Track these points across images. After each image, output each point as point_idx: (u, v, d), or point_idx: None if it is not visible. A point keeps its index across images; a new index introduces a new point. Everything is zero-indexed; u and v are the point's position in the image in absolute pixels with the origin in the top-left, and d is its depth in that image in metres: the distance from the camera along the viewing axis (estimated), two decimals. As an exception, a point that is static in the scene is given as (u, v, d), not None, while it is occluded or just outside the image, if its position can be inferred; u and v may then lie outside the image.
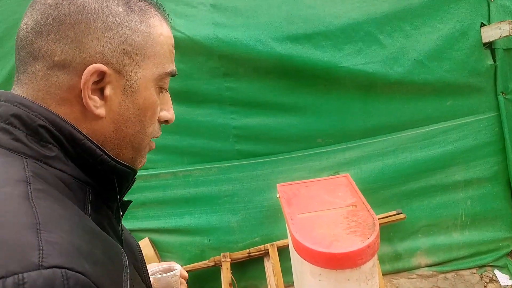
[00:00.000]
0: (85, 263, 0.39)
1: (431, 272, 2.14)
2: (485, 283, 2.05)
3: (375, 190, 2.09)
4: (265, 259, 2.03)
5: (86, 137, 0.50)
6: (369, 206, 1.43)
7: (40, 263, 0.35)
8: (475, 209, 2.15)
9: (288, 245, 1.92)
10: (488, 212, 2.15)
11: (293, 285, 1.71)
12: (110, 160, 0.52)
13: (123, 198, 0.61)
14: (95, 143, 0.51)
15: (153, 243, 2.09)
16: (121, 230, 0.60)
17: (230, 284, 1.92)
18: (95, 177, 0.52)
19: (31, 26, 0.51)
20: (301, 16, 2.01)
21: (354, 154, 2.13)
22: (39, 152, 0.47)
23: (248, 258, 2.04)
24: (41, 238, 0.37)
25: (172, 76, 0.60)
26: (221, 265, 1.99)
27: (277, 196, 1.62)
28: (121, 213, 0.61)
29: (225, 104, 2.05)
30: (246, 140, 2.09)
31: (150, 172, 2.10)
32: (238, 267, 2.07)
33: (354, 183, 1.61)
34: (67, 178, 0.49)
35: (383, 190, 2.11)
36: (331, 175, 2.07)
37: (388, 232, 2.11)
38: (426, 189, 2.13)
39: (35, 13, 0.51)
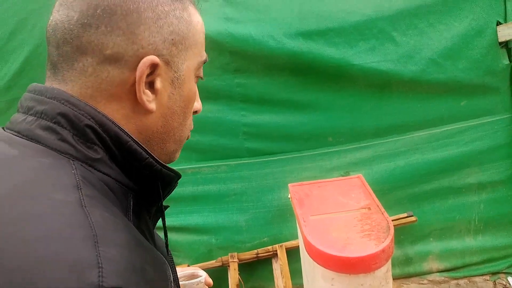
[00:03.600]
0: (141, 282, 0.37)
1: (443, 278, 2.10)
2: (498, 290, 2.01)
3: (386, 191, 2.05)
4: (273, 260, 2.00)
5: (132, 138, 0.48)
6: (383, 209, 1.39)
7: (100, 283, 0.33)
8: (489, 214, 2.10)
9: (297, 246, 1.89)
10: (503, 216, 2.10)
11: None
12: (155, 164, 0.50)
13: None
14: (141, 145, 0.48)
15: (160, 241, 2.06)
16: (167, 237, 0.59)
17: (237, 285, 1.90)
18: (138, 181, 0.50)
19: (75, 18, 0.47)
20: (313, 12, 1.96)
21: (365, 154, 2.09)
22: (85, 154, 0.45)
23: (256, 258, 2.01)
24: (99, 254, 0.35)
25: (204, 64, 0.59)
26: (229, 266, 1.96)
27: (289, 196, 1.59)
28: (159, 218, 0.59)
29: (235, 101, 2.02)
30: (256, 137, 2.05)
31: (158, 168, 2.07)
32: (246, 267, 2.04)
33: (367, 184, 1.57)
34: (111, 182, 0.46)
35: (394, 192, 2.07)
36: (342, 175, 2.03)
37: (398, 235, 2.07)
38: (438, 191, 2.09)
39: (79, 4, 0.47)
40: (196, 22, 0.53)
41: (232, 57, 1.96)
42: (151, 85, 0.49)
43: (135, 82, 0.47)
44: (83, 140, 0.45)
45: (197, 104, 0.60)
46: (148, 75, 0.48)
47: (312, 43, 1.96)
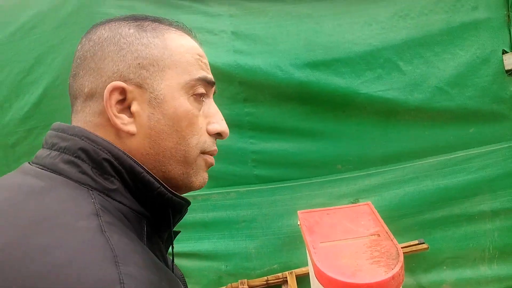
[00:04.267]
0: None
1: (458, 307, 2.05)
2: (515, 320, 1.95)
3: (396, 218, 2.03)
4: (283, 287, 1.98)
5: (145, 170, 0.51)
6: (392, 236, 1.39)
7: None
8: (504, 241, 2.06)
9: (306, 273, 1.87)
10: (517, 244, 2.06)
11: (312, 316, 1.66)
12: (167, 192, 0.53)
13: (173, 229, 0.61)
14: (153, 175, 0.52)
15: (170, 268, 2.07)
16: (173, 261, 0.61)
17: (247, 313, 1.88)
18: (151, 209, 0.53)
19: (71, 74, 0.56)
20: (320, 44, 2.03)
21: (374, 181, 2.09)
22: (103, 185, 0.49)
23: (266, 285, 2.00)
24: (120, 272, 0.37)
25: (210, 84, 0.59)
26: (239, 293, 1.95)
27: (298, 223, 1.60)
28: (170, 244, 0.61)
29: (244, 129, 2.06)
30: (265, 165, 2.08)
31: (169, 196, 2.10)
32: (256, 295, 2.02)
33: (377, 211, 1.58)
34: (126, 210, 0.50)
35: (404, 219, 2.06)
36: (351, 202, 2.04)
37: (410, 262, 2.04)
38: (450, 218, 2.07)
39: (73, 62, 0.56)
40: (178, 45, 0.56)
41: (241, 87, 2.02)
42: (129, 109, 0.53)
43: None
44: (101, 172, 0.49)
45: (218, 126, 0.59)
46: (122, 101, 0.53)
47: (319, 73, 2.02)
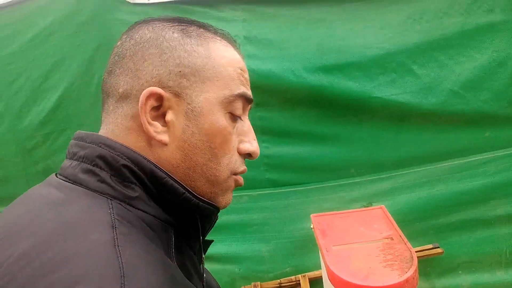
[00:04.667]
0: None
1: (475, 312, 2.02)
2: (533, 327, 1.91)
3: (410, 222, 2.02)
4: (296, 291, 1.98)
5: (168, 175, 0.49)
6: (406, 239, 1.38)
7: None
8: (521, 246, 2.03)
9: (319, 276, 1.87)
10: (535, 249, 2.02)
11: (325, 320, 1.65)
12: (193, 198, 0.50)
13: (205, 238, 0.59)
14: (177, 181, 0.50)
15: (183, 271, 2.08)
16: (203, 272, 0.57)
17: (260, 316, 1.88)
18: (177, 216, 0.51)
19: (106, 69, 0.55)
20: (333, 48, 2.03)
21: (387, 185, 2.08)
22: (123, 193, 0.47)
23: (279, 289, 2.00)
24: None
25: (247, 101, 0.57)
26: (251, 296, 1.95)
27: (311, 226, 1.60)
28: (203, 253, 0.58)
29: (257, 133, 2.03)
30: (277, 169, 2.09)
31: (182, 199, 2.12)
32: (269, 298, 2.03)
33: (390, 215, 1.57)
34: (150, 219, 0.48)
35: (418, 223, 2.04)
36: (364, 206, 2.03)
37: (424, 267, 2.02)
38: (465, 223, 2.04)
39: (110, 58, 0.55)
40: (221, 56, 0.53)
41: (254, 92, 2.01)
42: (163, 117, 0.51)
43: None
44: (121, 180, 0.47)
45: (249, 146, 0.57)
46: (158, 108, 0.50)
47: (332, 77, 2.02)
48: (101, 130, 0.54)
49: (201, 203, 0.51)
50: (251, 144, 0.58)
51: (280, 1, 2.03)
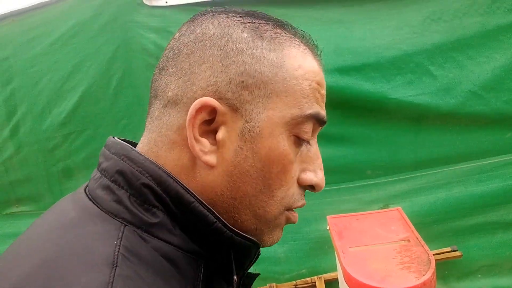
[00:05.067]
0: None
1: (494, 317, 1.98)
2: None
3: (427, 225, 1.99)
4: (312, 292, 1.98)
5: (197, 198, 0.41)
6: (423, 242, 1.37)
7: None
8: (542, 250, 1.99)
9: (335, 278, 1.86)
10: (557, 253, 1.98)
11: (341, 322, 1.65)
12: (225, 230, 0.42)
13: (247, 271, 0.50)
14: (207, 206, 0.41)
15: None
16: None
17: (276, 317, 1.88)
18: (208, 247, 0.42)
19: (159, 63, 0.47)
20: (350, 49, 2.03)
21: (404, 187, 2.06)
22: (141, 218, 0.40)
23: (295, 290, 2.00)
24: None
25: (320, 123, 0.46)
26: (267, 296, 1.96)
27: (327, 228, 1.60)
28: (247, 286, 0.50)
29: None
30: (293, 170, 2.09)
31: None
32: (285, 299, 2.03)
33: (407, 217, 1.56)
34: (172, 251, 0.40)
35: (436, 225, 2.02)
36: (381, 207, 2.01)
37: (442, 270, 1.99)
38: (484, 225, 2.01)
39: (165, 50, 0.47)
40: (296, 66, 0.44)
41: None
42: (213, 135, 0.43)
43: None
44: (140, 202, 0.40)
45: (313, 177, 0.47)
46: (209, 122, 0.42)
47: (349, 78, 2.01)
48: (142, 138, 0.47)
49: (236, 237, 0.42)
50: (316, 175, 0.47)
51: (296, 2, 2.03)
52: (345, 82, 2.00)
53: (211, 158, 0.42)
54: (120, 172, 0.41)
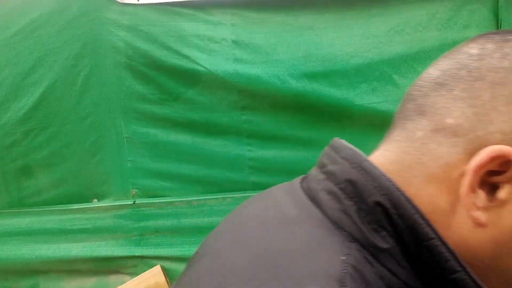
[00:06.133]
0: None
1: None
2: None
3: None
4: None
5: (438, 236, 0.34)
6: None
7: None
8: None
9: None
10: None
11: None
12: (472, 283, 0.34)
13: None
14: (452, 250, 0.34)
15: (165, 271, 2.08)
16: None
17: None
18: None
19: (434, 76, 0.41)
20: (319, 55, 2.09)
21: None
22: (369, 239, 0.35)
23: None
24: None
25: None
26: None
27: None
28: None
29: (242, 136, 2.11)
30: (261, 171, 2.12)
31: (165, 199, 2.13)
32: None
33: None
34: (398, 284, 0.34)
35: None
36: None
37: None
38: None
39: (446, 63, 0.41)
40: None
41: (240, 96, 2.06)
42: (491, 190, 0.35)
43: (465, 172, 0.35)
44: (369, 220, 0.35)
45: None
46: (490, 174, 0.35)
47: (316, 83, 2.07)
48: (381, 151, 0.42)
49: None
50: None
51: (270, 7, 2.07)
52: (313, 87, 2.05)
53: (482, 216, 0.35)
54: (351, 181, 0.38)
